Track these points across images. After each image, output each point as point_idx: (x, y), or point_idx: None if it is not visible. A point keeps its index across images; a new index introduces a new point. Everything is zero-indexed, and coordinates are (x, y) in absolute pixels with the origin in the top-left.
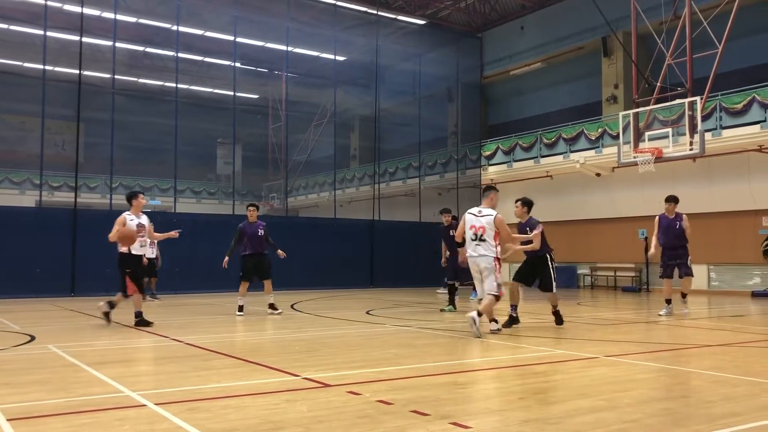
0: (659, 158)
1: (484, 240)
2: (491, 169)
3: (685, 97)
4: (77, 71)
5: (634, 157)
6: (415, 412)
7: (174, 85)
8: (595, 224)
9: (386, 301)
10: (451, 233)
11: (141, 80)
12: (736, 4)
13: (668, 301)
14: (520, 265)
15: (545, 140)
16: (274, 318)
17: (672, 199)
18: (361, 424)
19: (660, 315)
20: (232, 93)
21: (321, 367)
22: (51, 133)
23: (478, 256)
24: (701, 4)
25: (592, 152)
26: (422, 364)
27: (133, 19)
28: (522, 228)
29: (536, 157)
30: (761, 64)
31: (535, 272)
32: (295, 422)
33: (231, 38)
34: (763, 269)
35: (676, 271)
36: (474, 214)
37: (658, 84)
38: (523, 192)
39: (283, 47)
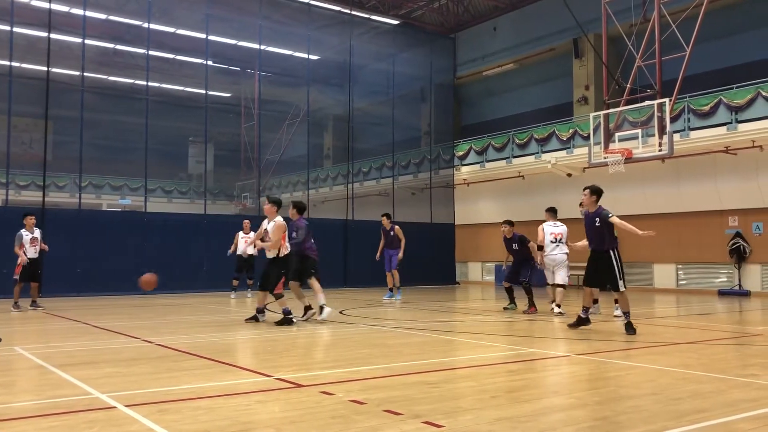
0: (629, 159)
1: (562, 242)
2: (464, 169)
3: (655, 98)
4: (45, 68)
5: (605, 158)
6: (388, 411)
7: (145, 83)
8: (566, 224)
9: (360, 300)
10: (515, 246)
11: (111, 78)
12: (703, 8)
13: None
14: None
15: (517, 141)
16: (248, 318)
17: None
18: (333, 424)
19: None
20: (203, 91)
21: (293, 368)
22: (18, 130)
23: (557, 254)
24: (670, 7)
25: (563, 153)
26: (395, 363)
27: (102, 16)
28: (591, 219)
29: (508, 157)
30: (727, 67)
31: (599, 270)
32: (267, 423)
33: (203, 36)
34: (729, 268)
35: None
36: (552, 225)
37: (628, 86)
38: (496, 192)
39: (256, 46)
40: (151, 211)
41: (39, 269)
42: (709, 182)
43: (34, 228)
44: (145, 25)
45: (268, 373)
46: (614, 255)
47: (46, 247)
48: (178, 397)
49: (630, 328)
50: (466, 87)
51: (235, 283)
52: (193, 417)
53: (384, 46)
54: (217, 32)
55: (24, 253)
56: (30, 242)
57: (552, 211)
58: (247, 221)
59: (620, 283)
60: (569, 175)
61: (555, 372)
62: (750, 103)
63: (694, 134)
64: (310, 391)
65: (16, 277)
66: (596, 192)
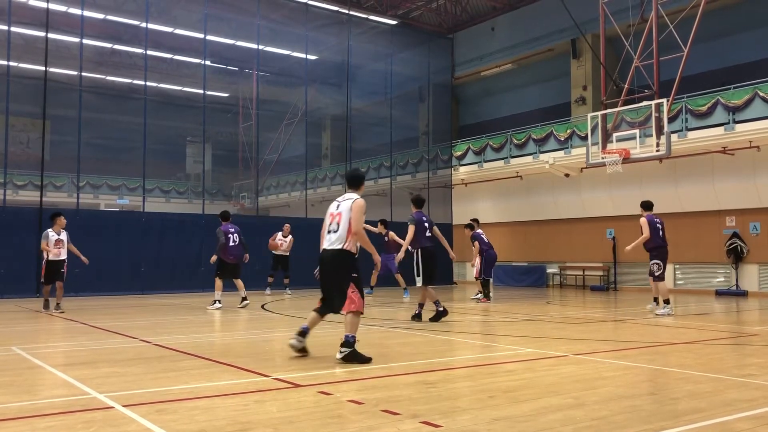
0: (627, 159)
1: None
2: (462, 169)
3: (652, 99)
4: (43, 68)
5: (603, 158)
6: (385, 411)
7: (143, 82)
8: (564, 224)
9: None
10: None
11: (109, 78)
12: (700, 8)
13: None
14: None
15: (515, 141)
16: (245, 318)
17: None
18: (331, 424)
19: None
20: (202, 91)
21: (291, 368)
22: (16, 130)
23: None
24: (667, 8)
25: (561, 153)
26: (393, 363)
27: (100, 16)
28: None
29: (506, 157)
30: (725, 67)
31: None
32: (265, 423)
33: (201, 36)
34: (726, 268)
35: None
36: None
37: (626, 86)
38: (494, 192)
39: (254, 45)
40: (149, 211)
41: (62, 269)
42: (706, 182)
43: (62, 230)
44: (143, 24)
45: (266, 373)
46: (415, 255)
47: (76, 249)
48: (176, 397)
49: (439, 317)
50: (464, 87)
51: (270, 279)
52: (190, 417)
53: (382, 46)
54: (215, 32)
55: (46, 253)
56: (54, 243)
57: (477, 222)
58: (287, 225)
59: (417, 279)
60: (567, 175)
61: (553, 372)
62: (747, 103)
63: (691, 134)
64: (307, 391)
65: (42, 280)
66: (414, 201)
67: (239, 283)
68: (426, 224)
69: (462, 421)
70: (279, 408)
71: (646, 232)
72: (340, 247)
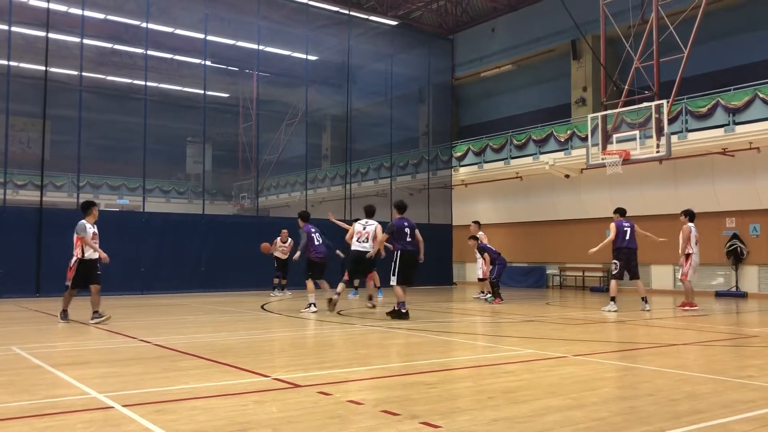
0: (627, 160)
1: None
2: (462, 170)
3: (652, 100)
4: (43, 68)
5: (603, 159)
6: (385, 412)
7: (143, 82)
8: (563, 225)
9: (357, 301)
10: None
11: (109, 78)
12: (701, 9)
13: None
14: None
15: (515, 142)
16: (245, 318)
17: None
18: (331, 424)
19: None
20: (202, 91)
21: (291, 368)
22: (16, 130)
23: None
24: (668, 9)
25: (561, 154)
26: (393, 364)
27: (101, 16)
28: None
29: (506, 158)
30: (725, 68)
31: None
32: (265, 423)
33: (201, 36)
34: (726, 269)
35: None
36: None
37: (626, 87)
38: (493, 192)
39: (254, 46)
40: (150, 211)
41: (97, 270)
42: (706, 184)
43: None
44: (144, 24)
45: (266, 374)
46: (394, 255)
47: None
48: (176, 397)
49: (396, 315)
50: (464, 88)
51: (275, 281)
52: (190, 417)
53: (382, 47)
54: (215, 32)
55: (82, 251)
56: (91, 237)
57: (479, 224)
58: (284, 231)
59: (392, 278)
60: (567, 176)
61: (552, 373)
62: (747, 105)
63: (691, 136)
64: (307, 392)
65: (68, 282)
66: (398, 207)
67: (323, 283)
68: (407, 229)
69: (461, 422)
70: (279, 408)
71: (612, 235)
72: (371, 250)
